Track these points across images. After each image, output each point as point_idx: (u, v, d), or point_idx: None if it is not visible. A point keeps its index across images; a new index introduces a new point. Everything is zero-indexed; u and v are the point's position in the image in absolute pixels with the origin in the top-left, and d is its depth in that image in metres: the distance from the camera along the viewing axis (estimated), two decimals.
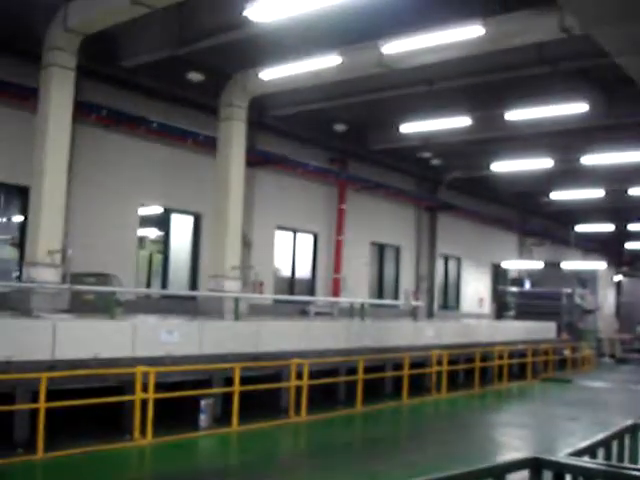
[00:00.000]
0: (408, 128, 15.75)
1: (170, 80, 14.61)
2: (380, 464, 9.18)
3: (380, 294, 22.79)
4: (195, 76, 14.15)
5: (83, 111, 13.75)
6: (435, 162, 20.38)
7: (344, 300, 18.10)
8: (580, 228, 31.82)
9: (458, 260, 27.16)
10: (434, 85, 14.15)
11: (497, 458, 9.96)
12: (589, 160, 18.40)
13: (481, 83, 13.98)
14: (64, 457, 8.66)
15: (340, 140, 19.75)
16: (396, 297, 23.29)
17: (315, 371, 12.56)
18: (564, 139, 17.80)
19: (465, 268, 27.45)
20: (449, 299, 26.80)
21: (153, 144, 15.63)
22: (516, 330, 21.06)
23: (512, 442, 11.47)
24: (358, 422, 12.87)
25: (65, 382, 9.12)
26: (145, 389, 9.77)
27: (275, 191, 18.80)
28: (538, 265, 29.52)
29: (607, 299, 31.67)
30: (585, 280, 28.71)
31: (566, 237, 32.40)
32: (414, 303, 17.83)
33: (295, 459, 9.86)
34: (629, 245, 34.62)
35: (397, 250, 23.75)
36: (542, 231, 31.70)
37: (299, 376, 12.08)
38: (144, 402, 9.76)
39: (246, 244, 17.65)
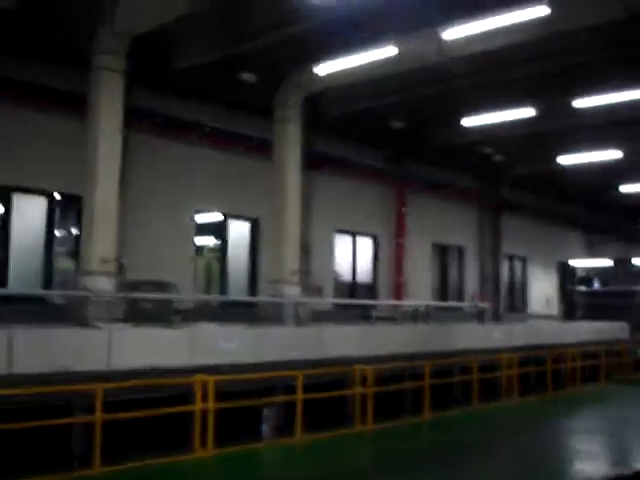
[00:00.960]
0: (469, 122, 15.03)
1: (223, 82, 14.28)
2: (457, 476, 8.56)
3: (444, 297, 22.06)
4: (249, 77, 13.79)
5: (135, 117, 13.51)
6: (497, 158, 19.58)
7: (407, 303, 17.45)
8: None
9: (523, 260, 26.20)
10: (496, 75, 13.44)
11: (578, 467, 9.25)
12: None
13: (545, 70, 13.22)
14: (122, 471, 8.27)
15: (397, 138, 19.12)
16: (460, 300, 22.51)
17: (380, 378, 11.98)
18: (636, 128, 16.83)
19: (531, 268, 26.46)
20: (515, 300, 25.86)
21: (207, 149, 15.33)
22: (587, 331, 20.05)
23: (592, 449, 10.68)
24: (427, 430, 12.20)
25: (122, 393, 8.75)
26: (205, 399, 9.35)
27: (332, 194, 18.29)
28: (607, 262, 28.25)
29: None
30: None
31: (634, 233, 31.01)
32: (481, 305, 17.07)
33: (365, 471, 9.28)
34: None
35: (460, 251, 22.99)
36: (609, 227, 30.41)
37: (363, 383, 11.51)
38: (204, 412, 9.35)
39: (304, 249, 17.17)
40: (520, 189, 24.55)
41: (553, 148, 18.82)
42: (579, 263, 28.86)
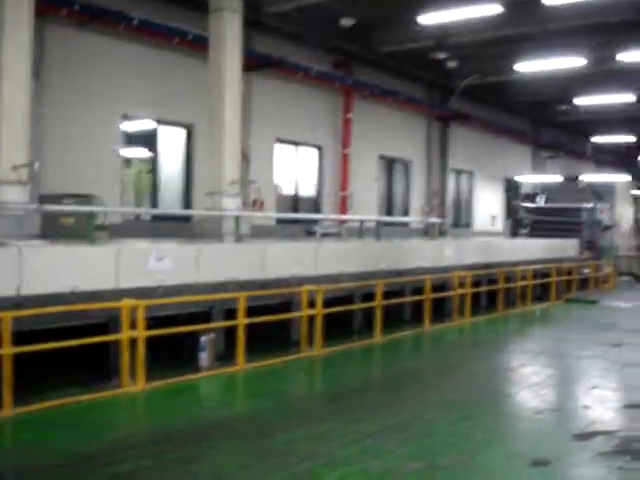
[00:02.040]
0: (427, 19, 13.66)
1: None
2: (409, 406, 7.76)
3: (389, 212, 21.17)
4: None
5: (51, 5, 11.79)
6: (451, 64, 18.37)
7: (355, 218, 16.44)
8: (596, 139, 29.97)
9: (470, 175, 25.43)
10: None
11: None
12: (627, 57, 16.35)
13: None
14: (37, 411, 7.16)
15: (345, 41, 17.71)
16: (406, 215, 21.68)
17: (328, 299, 11.07)
18: (603, 35, 15.84)
19: (477, 183, 25.74)
20: (461, 216, 25.18)
21: (135, 45, 13.69)
22: (537, 248, 19.56)
23: (556, 374, 10.08)
24: (378, 354, 11.44)
25: (36, 322, 7.55)
26: (134, 326, 8.23)
27: (274, 99, 16.90)
28: (553, 179, 27.76)
29: (625, 214, 30.06)
30: (601, 194, 27.05)
31: (581, 149, 30.61)
32: (431, 220, 16.16)
33: (311, 403, 8.39)
34: None
35: (407, 165, 22.00)
36: (556, 143, 29.85)
37: (311, 305, 10.57)
38: (133, 341, 8.25)
39: (243, 159, 15.88)
40: (470, 100, 23.48)
41: (513, 54, 17.64)
42: (525, 179, 28.29)
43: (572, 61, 16.79)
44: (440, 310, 14.31)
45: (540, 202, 27.13)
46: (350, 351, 11.08)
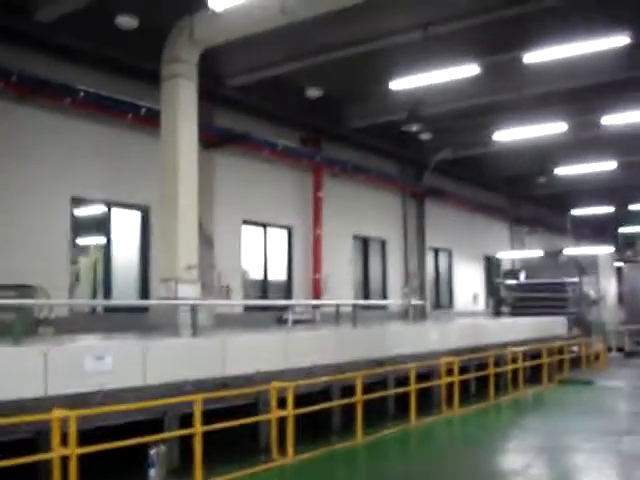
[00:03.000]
0: (399, 84, 12.73)
1: (95, 32, 11.52)
2: None
3: (366, 294, 19.94)
4: (127, 21, 11.09)
5: None
6: (424, 137, 17.56)
7: (329, 303, 15.21)
8: (576, 212, 29.29)
9: (449, 253, 24.41)
10: (430, 29, 11.34)
11: None
12: (609, 120, 15.60)
13: (489, 22, 11.21)
14: None
15: (313, 116, 16.91)
16: (384, 297, 20.46)
17: (302, 394, 9.70)
18: (582, 99, 15.15)
19: (457, 262, 24.71)
20: (441, 297, 24.02)
21: (84, 120, 12.61)
22: (524, 327, 18.35)
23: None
24: (362, 459, 9.97)
25: None
26: (65, 441, 6.78)
27: (239, 178, 15.88)
28: (533, 254, 26.84)
29: (609, 288, 29.14)
30: (584, 268, 26.16)
31: (560, 224, 29.88)
32: (414, 302, 14.94)
33: None
34: (626, 229, 32.11)
35: (383, 244, 20.92)
36: (535, 217, 29.11)
37: (282, 403, 9.18)
38: (64, 460, 6.78)
39: (207, 242, 14.70)
40: (445, 175, 22.77)
41: (490, 123, 16.87)
42: (506, 255, 27.36)
43: (552, 127, 15.98)
44: (426, 401, 12.91)
45: (521, 279, 26.17)
46: (329, 457, 9.61)
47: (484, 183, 25.01)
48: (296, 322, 16.07)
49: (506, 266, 27.65)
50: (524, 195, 27.87)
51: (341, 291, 18.41)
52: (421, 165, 21.35)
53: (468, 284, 25.30)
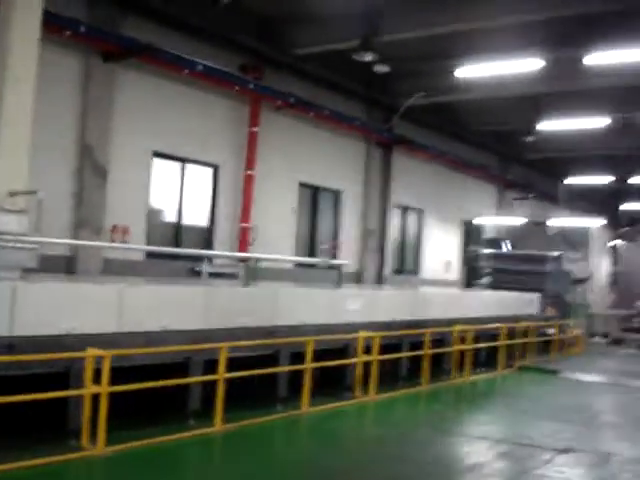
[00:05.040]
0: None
1: None
2: None
3: (312, 252, 17.58)
4: None
5: None
6: (380, 69, 14.97)
7: (240, 256, 12.94)
8: (570, 181, 26.67)
9: (420, 213, 21.96)
10: None
11: None
12: (594, 59, 12.87)
13: None
14: None
15: (254, 38, 14.48)
16: (334, 256, 18.14)
17: (146, 367, 7.54)
18: (565, 30, 12.57)
19: (429, 224, 22.27)
20: (406, 262, 21.63)
21: None
22: (487, 303, 16.05)
23: None
24: (239, 449, 7.79)
25: None
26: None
27: (152, 102, 13.48)
28: (517, 222, 24.32)
29: (600, 267, 26.70)
30: (575, 242, 23.74)
31: (553, 192, 27.31)
32: (333, 262, 12.46)
33: None
34: (629, 205, 29.41)
35: (337, 195, 18.49)
36: (526, 183, 26.52)
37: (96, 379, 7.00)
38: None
39: (98, 173, 12.38)
40: (420, 126, 20.23)
41: (452, 58, 14.23)
42: (488, 221, 24.90)
43: (529, 63, 13.26)
44: (335, 384, 10.76)
45: (505, 249, 23.80)
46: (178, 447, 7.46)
47: (468, 139, 22.42)
48: (213, 275, 13.85)
49: (490, 233, 25.20)
50: (514, 156, 25.27)
51: (280, 245, 16.13)
52: (392, 111, 18.80)
53: (441, 250, 22.90)
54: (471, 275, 22.05)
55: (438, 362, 13.28)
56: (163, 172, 13.98)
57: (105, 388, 7.04)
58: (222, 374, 8.30)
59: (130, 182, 13.07)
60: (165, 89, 13.59)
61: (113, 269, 12.45)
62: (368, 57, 13.84)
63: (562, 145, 22.67)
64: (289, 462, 7.41)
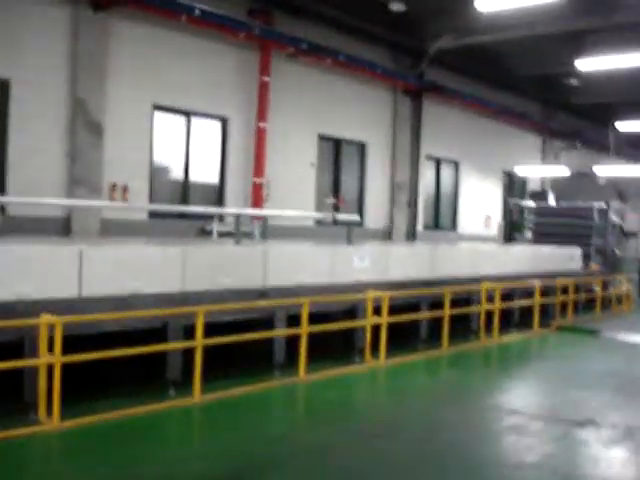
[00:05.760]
0: None
1: None
2: None
3: (335, 209, 16.69)
4: None
5: None
6: (396, 7, 13.86)
7: (245, 213, 12.24)
8: (621, 127, 24.99)
9: (455, 165, 20.86)
10: None
11: None
12: None
13: None
14: None
15: None
16: (361, 213, 17.29)
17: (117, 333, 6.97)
18: None
19: (465, 176, 21.16)
20: (441, 217, 20.61)
21: None
22: (521, 258, 15.03)
23: None
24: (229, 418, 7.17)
25: None
26: None
27: (150, 52, 12.75)
28: (565, 173, 22.95)
29: None
30: (626, 194, 22.28)
31: (602, 139, 25.71)
32: (340, 216, 11.56)
33: None
34: None
35: (362, 148, 17.55)
36: (572, 130, 24.99)
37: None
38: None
39: (93, 128, 11.75)
40: (451, 70, 19.04)
41: None
42: (531, 172, 23.59)
43: None
44: (345, 348, 10.03)
45: (550, 202, 22.52)
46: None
47: (507, 84, 21.08)
48: (223, 235, 13.16)
49: (534, 186, 23.92)
50: (559, 103, 23.77)
51: (299, 202, 15.34)
52: (420, 56, 17.66)
53: (479, 204, 21.78)
54: (511, 230, 20.91)
55: (466, 323, 12.45)
56: (166, 127, 13.30)
57: (58, 358, 6.46)
58: (200, 340, 7.65)
59: (129, 138, 12.43)
60: (165, 38, 12.84)
61: (112, 230, 11.89)
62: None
63: (611, 88, 21.14)
64: (262, 437, 6.72)
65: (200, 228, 13.39)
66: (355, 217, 11.41)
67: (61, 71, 11.51)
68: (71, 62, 11.57)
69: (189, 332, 7.74)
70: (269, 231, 14.02)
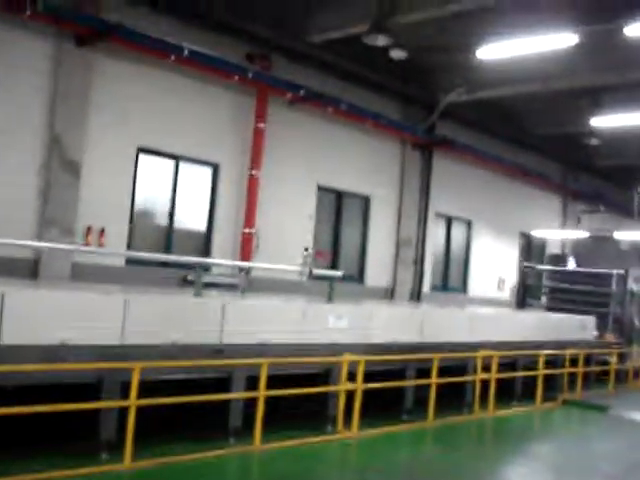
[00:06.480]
0: None
1: None
2: None
3: (334, 263, 16.05)
4: None
5: None
6: (397, 55, 13.33)
7: (229, 264, 11.60)
8: None
9: (467, 224, 20.08)
10: None
11: None
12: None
13: None
14: None
15: (262, 25, 13.16)
16: (362, 270, 16.57)
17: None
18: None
19: (478, 236, 20.34)
20: (451, 277, 19.75)
21: None
22: (528, 325, 14.09)
23: None
24: None
25: None
26: None
27: (137, 91, 12.34)
28: (586, 236, 21.99)
29: None
30: None
31: (627, 203, 24.73)
32: (318, 271, 10.76)
33: None
34: None
35: (365, 201, 16.90)
36: (595, 193, 24.13)
37: None
38: None
39: (69, 168, 11.29)
40: (466, 126, 18.45)
41: (474, 39, 12.30)
42: (551, 236, 22.72)
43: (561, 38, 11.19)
44: (319, 416, 9.21)
45: (570, 266, 21.57)
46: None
47: (525, 143, 20.42)
48: (211, 286, 12.49)
49: (553, 249, 23.02)
50: (580, 164, 23.01)
51: (294, 255, 14.61)
52: (431, 109, 17.10)
53: (493, 265, 20.92)
54: (526, 294, 19.97)
55: (461, 394, 11.57)
56: (152, 170, 12.79)
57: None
58: (134, 400, 6.93)
59: (110, 179, 11.93)
60: (153, 77, 12.43)
61: (85, 275, 11.30)
62: (382, 41, 12.27)
63: (634, 149, 20.39)
64: None
65: (182, 277, 12.77)
66: (336, 272, 10.67)
67: (39, 105, 11.11)
68: (50, 96, 11.17)
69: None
70: (257, 284, 13.40)
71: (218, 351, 8.09)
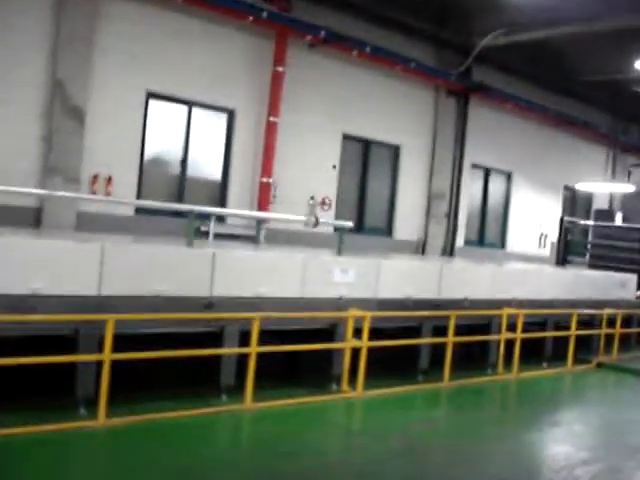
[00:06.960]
0: None
1: None
2: None
3: (360, 216, 15.48)
4: None
5: None
6: None
7: (237, 214, 11.12)
8: None
9: (507, 176, 19.21)
10: None
11: None
12: None
13: None
14: None
15: None
16: (390, 223, 15.97)
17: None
18: None
19: (518, 189, 19.47)
20: (488, 232, 18.97)
21: None
22: (561, 282, 13.31)
23: None
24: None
25: None
26: None
27: (147, 34, 11.84)
28: (625, 189, 20.88)
29: None
30: None
31: None
32: (324, 221, 10.19)
33: None
34: None
35: (395, 151, 16.20)
36: None
37: None
38: None
39: (73, 114, 10.89)
40: (506, 72, 17.48)
41: None
42: (598, 190, 21.66)
43: None
44: (324, 375, 8.77)
45: (617, 221, 20.56)
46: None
47: (572, 90, 19.33)
48: (227, 237, 12.10)
49: (600, 204, 21.99)
50: (632, 114, 21.76)
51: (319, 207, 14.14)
52: (467, 52, 16.18)
53: (534, 220, 20.03)
54: (567, 251, 19.09)
55: (484, 354, 11.00)
56: (163, 116, 12.33)
57: None
58: (108, 354, 6.57)
59: (117, 126, 11.53)
60: (163, 19, 11.90)
61: (91, 225, 10.98)
62: None
63: None
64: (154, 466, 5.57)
65: (197, 227, 12.36)
66: (346, 223, 10.11)
67: (41, 50, 10.70)
68: (53, 41, 10.75)
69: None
70: (275, 236, 12.95)
71: (208, 305, 7.68)
